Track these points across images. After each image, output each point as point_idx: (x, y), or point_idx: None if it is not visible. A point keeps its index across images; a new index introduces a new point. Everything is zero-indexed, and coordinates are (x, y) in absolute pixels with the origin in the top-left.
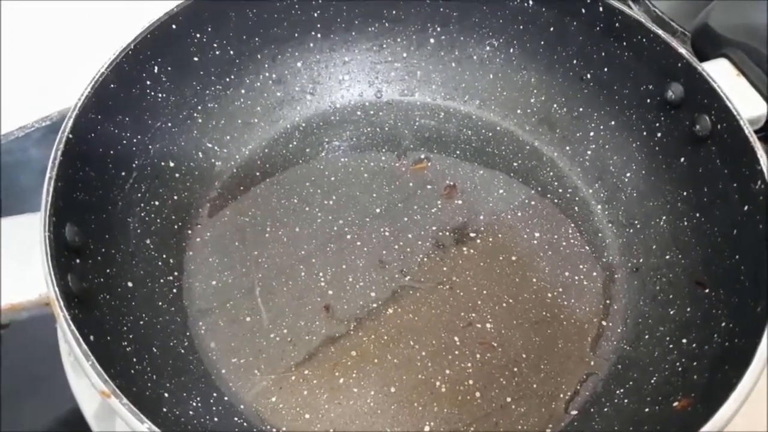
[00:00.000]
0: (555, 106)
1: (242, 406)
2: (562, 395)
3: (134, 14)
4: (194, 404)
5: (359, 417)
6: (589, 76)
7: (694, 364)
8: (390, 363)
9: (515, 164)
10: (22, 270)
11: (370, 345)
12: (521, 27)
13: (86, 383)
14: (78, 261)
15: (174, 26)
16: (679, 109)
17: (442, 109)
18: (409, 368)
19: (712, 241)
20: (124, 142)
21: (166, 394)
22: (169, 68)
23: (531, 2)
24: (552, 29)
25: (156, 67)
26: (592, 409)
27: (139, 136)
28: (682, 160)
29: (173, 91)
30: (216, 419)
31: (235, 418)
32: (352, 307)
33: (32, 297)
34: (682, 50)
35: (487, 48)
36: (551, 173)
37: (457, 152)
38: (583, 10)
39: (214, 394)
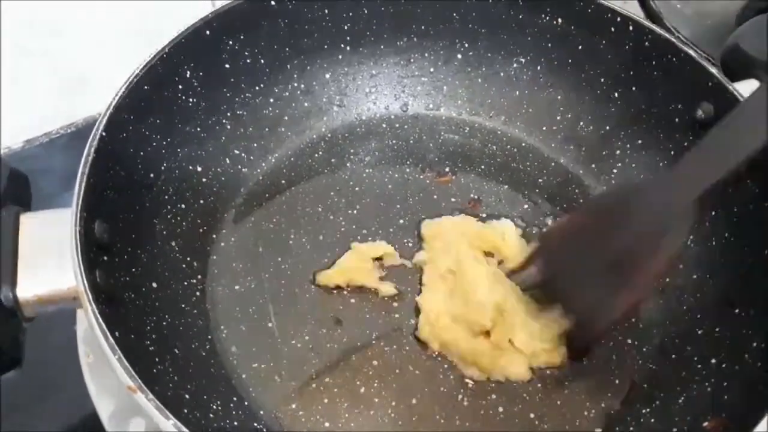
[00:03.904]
0: (581, 123)
1: (262, 412)
2: (586, 413)
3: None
4: (214, 407)
5: (379, 427)
6: (616, 94)
7: (725, 384)
8: (412, 374)
9: (540, 180)
10: (50, 263)
11: (392, 355)
12: (549, 45)
13: (103, 385)
14: (106, 258)
15: (208, 32)
16: (709, 128)
17: (468, 124)
18: (431, 380)
19: (742, 261)
20: (154, 144)
21: (186, 396)
22: (201, 74)
23: (560, 20)
24: (580, 47)
25: (188, 72)
26: (617, 428)
27: (168, 139)
28: None
29: (204, 96)
30: (236, 423)
31: (255, 424)
32: (374, 316)
33: (60, 290)
34: (713, 70)
35: (515, 65)
36: (577, 190)
37: (482, 167)
38: (613, 29)
39: (235, 399)
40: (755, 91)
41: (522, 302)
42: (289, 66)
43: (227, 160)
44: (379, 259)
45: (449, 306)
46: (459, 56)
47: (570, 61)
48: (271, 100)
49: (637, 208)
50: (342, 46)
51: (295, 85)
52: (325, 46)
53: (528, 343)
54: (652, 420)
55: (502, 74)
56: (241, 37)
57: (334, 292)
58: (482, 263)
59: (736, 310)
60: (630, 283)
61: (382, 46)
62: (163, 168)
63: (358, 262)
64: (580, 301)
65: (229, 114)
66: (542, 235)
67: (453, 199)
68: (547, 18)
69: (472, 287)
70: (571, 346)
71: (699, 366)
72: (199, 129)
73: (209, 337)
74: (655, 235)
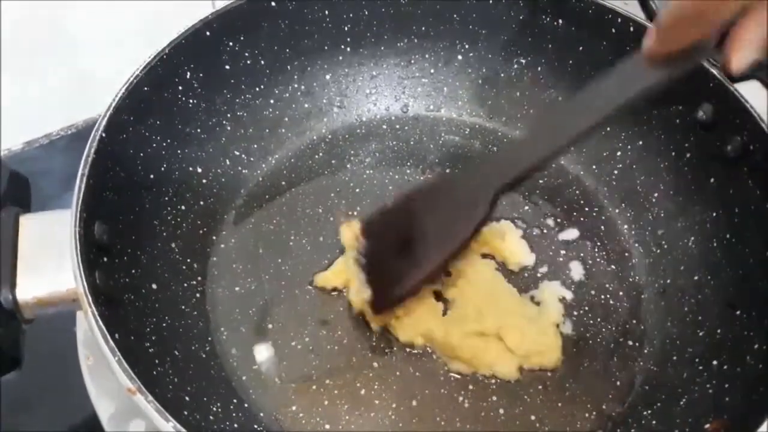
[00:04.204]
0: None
1: (262, 414)
2: (587, 414)
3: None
4: (214, 409)
5: (380, 429)
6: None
7: (726, 386)
8: (412, 376)
9: (540, 181)
10: (50, 265)
11: (393, 357)
12: (550, 46)
13: (103, 386)
14: (105, 259)
15: (208, 33)
16: (710, 129)
17: (468, 126)
18: (432, 382)
19: (744, 262)
20: (154, 145)
21: (186, 398)
22: (201, 75)
23: (561, 21)
24: (581, 48)
25: (188, 73)
26: (618, 430)
27: (168, 140)
28: (712, 180)
29: (204, 97)
30: (236, 425)
31: (255, 426)
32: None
33: (60, 291)
34: (714, 70)
35: (515, 66)
36: (577, 192)
37: None
38: (613, 30)
39: (234, 401)
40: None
41: (519, 304)
42: (289, 67)
43: (227, 162)
44: None
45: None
46: (459, 57)
47: (570, 62)
48: (272, 101)
49: (436, 197)
50: (342, 47)
51: (296, 86)
52: (326, 47)
53: (520, 343)
54: (654, 422)
55: (502, 75)
56: (242, 38)
57: (334, 294)
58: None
59: (738, 312)
60: (419, 263)
61: (382, 48)
62: (163, 169)
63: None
64: (378, 275)
65: (229, 115)
66: (368, 217)
67: None
68: (548, 19)
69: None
70: (372, 308)
71: (700, 367)
72: (199, 130)
73: (209, 338)
74: (449, 221)
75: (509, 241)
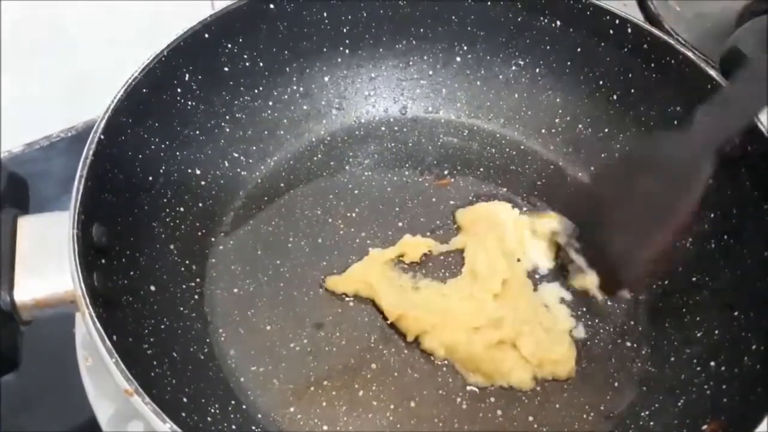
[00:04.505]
0: (580, 126)
1: (260, 415)
2: (585, 416)
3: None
4: (212, 411)
5: (378, 430)
6: (615, 97)
7: (724, 387)
8: (410, 377)
9: (539, 183)
10: (48, 266)
11: (391, 358)
12: (548, 47)
13: (102, 388)
14: (103, 261)
15: (206, 35)
16: None
17: (467, 127)
18: (430, 383)
19: (742, 262)
20: (153, 147)
21: (184, 399)
22: (200, 77)
23: (559, 23)
24: (579, 50)
25: (187, 75)
26: (616, 431)
27: (167, 142)
28: (711, 181)
29: (203, 99)
30: (234, 427)
31: (253, 427)
32: (373, 319)
33: (58, 293)
34: (712, 72)
35: (513, 68)
36: (576, 193)
37: (481, 170)
38: (612, 31)
39: (233, 402)
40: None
41: (536, 313)
42: (288, 69)
43: (226, 163)
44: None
45: (458, 310)
46: (458, 59)
47: (569, 63)
48: (270, 103)
49: (664, 157)
50: (341, 49)
51: (294, 88)
52: (324, 49)
53: (534, 352)
54: (651, 422)
55: (500, 77)
56: (240, 40)
57: (333, 296)
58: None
59: (736, 313)
60: (665, 219)
61: (381, 49)
62: (161, 171)
63: (372, 270)
64: (601, 256)
65: (227, 117)
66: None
67: (452, 202)
68: (546, 20)
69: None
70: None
71: (698, 368)
72: (197, 132)
73: (207, 340)
74: (681, 179)
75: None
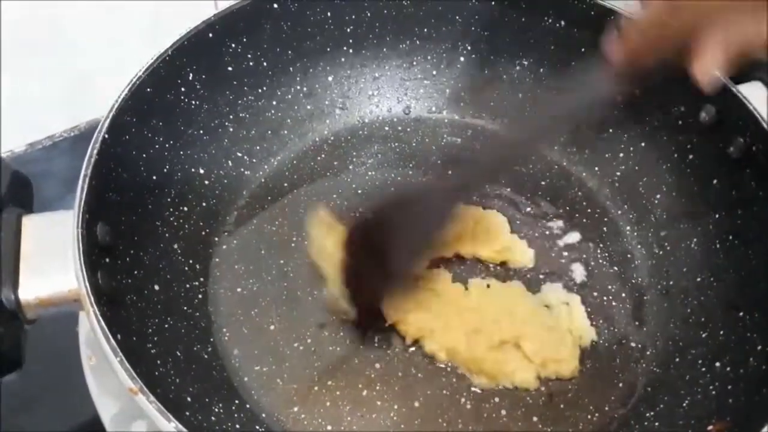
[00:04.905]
0: (584, 126)
1: (264, 415)
2: (589, 416)
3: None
4: (216, 410)
5: (382, 430)
6: (619, 97)
7: (729, 387)
8: (414, 377)
9: (543, 183)
10: (52, 265)
11: (395, 358)
12: (552, 47)
13: (105, 387)
14: (108, 260)
15: (210, 35)
16: (713, 130)
17: (470, 127)
18: (434, 383)
19: (747, 263)
20: (157, 146)
21: (188, 399)
22: (204, 76)
23: (563, 22)
24: (583, 50)
25: (191, 74)
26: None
27: (171, 142)
28: (715, 182)
29: (206, 99)
30: (237, 426)
31: (257, 427)
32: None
33: (62, 292)
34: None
35: (517, 67)
36: (579, 193)
37: None
38: (617, 32)
39: (236, 401)
40: None
41: (537, 313)
42: (291, 69)
43: (229, 163)
44: None
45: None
46: (461, 59)
47: (573, 63)
48: (274, 103)
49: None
50: (345, 48)
51: (298, 87)
52: (328, 49)
53: (538, 352)
54: (656, 423)
55: (504, 77)
56: (244, 39)
57: None
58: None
59: (741, 313)
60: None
61: (384, 49)
62: (165, 170)
63: None
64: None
65: (231, 116)
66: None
67: None
68: (550, 20)
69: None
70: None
71: (703, 369)
72: (201, 131)
73: (211, 339)
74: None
75: (505, 239)
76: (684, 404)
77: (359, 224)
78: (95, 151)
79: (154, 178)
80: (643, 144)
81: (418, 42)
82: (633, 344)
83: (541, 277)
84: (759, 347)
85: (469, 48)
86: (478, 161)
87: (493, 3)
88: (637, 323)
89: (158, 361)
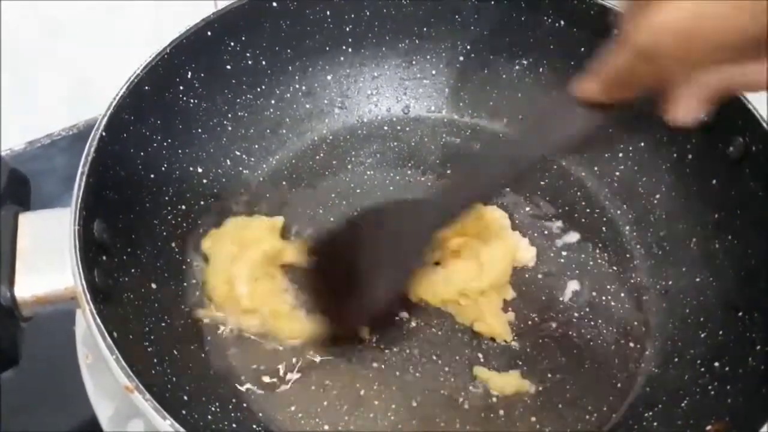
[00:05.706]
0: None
1: (261, 414)
2: (588, 416)
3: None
4: (213, 409)
5: (379, 430)
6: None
7: (728, 387)
8: (412, 377)
9: (542, 183)
10: (49, 263)
11: (393, 357)
12: (552, 47)
13: (102, 386)
14: (105, 258)
15: (209, 33)
16: (712, 131)
17: (469, 127)
18: (432, 383)
19: (746, 264)
20: (155, 144)
21: (185, 397)
22: (202, 75)
23: (562, 22)
24: (583, 49)
25: (189, 73)
26: None
27: (169, 140)
28: (715, 182)
29: (205, 97)
30: (234, 425)
31: (254, 425)
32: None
33: (59, 289)
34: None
35: (517, 67)
36: (579, 193)
37: None
38: (616, 31)
39: (233, 400)
40: None
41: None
42: (290, 67)
43: (228, 162)
44: None
45: None
46: (461, 58)
47: (572, 63)
48: (273, 102)
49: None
50: (344, 47)
51: (297, 86)
52: (327, 48)
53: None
54: (655, 423)
55: (504, 76)
56: (243, 38)
57: None
58: None
59: (740, 313)
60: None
61: (384, 48)
62: (163, 169)
63: None
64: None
65: (230, 115)
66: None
67: None
68: (550, 20)
69: None
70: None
71: (702, 369)
72: (199, 130)
73: (208, 338)
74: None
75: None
76: (683, 404)
77: (331, 239)
78: (93, 149)
79: (152, 176)
80: (642, 144)
81: (417, 41)
82: (632, 344)
83: (540, 276)
84: (758, 347)
85: (468, 47)
86: (468, 183)
87: (492, 3)
88: (635, 323)
89: (154, 360)
